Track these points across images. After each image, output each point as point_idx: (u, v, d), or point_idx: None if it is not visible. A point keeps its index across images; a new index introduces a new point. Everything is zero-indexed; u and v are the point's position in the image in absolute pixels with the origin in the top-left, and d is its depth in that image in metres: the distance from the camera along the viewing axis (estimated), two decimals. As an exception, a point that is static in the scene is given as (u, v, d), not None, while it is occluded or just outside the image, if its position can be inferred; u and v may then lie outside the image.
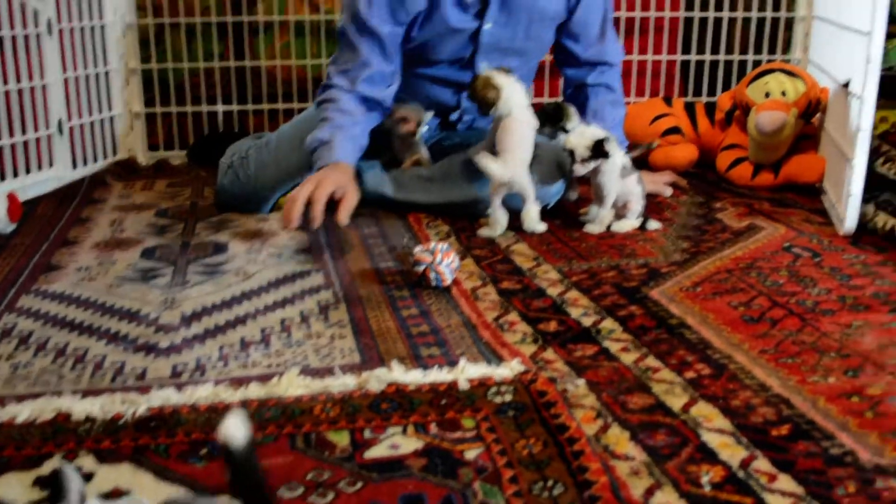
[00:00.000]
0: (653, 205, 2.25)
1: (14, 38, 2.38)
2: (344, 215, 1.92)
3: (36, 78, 2.46)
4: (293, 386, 1.29)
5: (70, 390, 1.31)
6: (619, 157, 2.05)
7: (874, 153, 2.12)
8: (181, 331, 1.53)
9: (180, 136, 2.98)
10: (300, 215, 1.88)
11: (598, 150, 2.00)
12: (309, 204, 1.89)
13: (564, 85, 2.44)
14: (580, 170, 2.03)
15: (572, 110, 2.21)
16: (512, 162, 2.02)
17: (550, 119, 2.19)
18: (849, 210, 2.01)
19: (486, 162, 1.99)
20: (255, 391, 1.28)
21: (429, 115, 2.30)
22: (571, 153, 2.02)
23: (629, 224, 2.08)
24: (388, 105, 2.24)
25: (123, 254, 1.97)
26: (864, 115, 1.96)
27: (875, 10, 1.90)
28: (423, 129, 2.30)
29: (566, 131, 2.09)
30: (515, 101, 2.07)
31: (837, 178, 2.16)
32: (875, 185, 2.08)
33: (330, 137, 2.08)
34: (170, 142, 2.97)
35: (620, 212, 2.10)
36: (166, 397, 1.27)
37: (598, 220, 2.08)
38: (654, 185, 2.37)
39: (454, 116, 2.40)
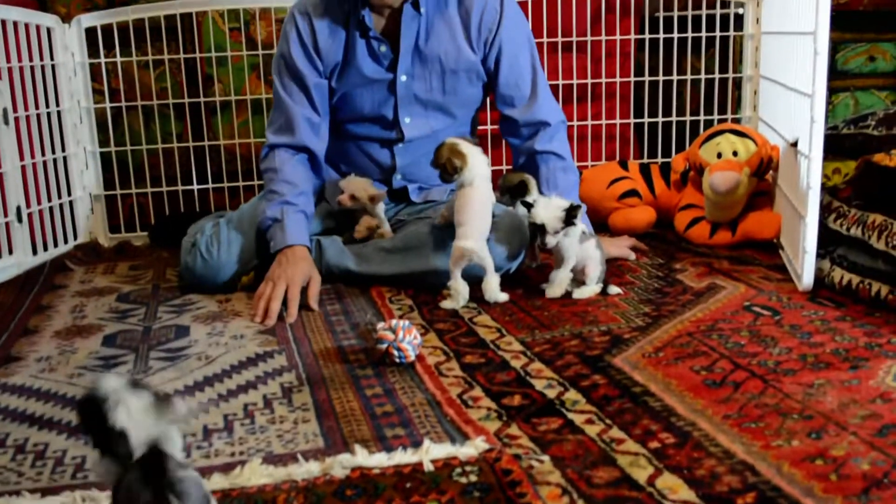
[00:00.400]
0: (613, 268, 2.27)
1: (-30, 129, 2.38)
2: (314, 302, 2.09)
3: (-8, 166, 2.46)
4: (256, 475, 1.28)
5: (29, 489, 1.29)
6: (579, 223, 2.08)
7: (826, 209, 2.16)
8: (143, 421, 1.51)
9: (141, 217, 2.98)
10: (277, 314, 2.02)
11: (570, 218, 2.03)
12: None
13: (514, 155, 2.45)
14: (552, 241, 2.05)
15: (534, 183, 2.24)
16: (472, 233, 2.04)
17: (514, 193, 2.23)
18: (805, 266, 2.04)
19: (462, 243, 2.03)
20: (218, 482, 1.27)
21: (382, 195, 2.33)
22: (542, 227, 2.04)
23: (590, 290, 2.09)
24: (321, 158, 2.34)
25: (85, 341, 1.95)
26: (812, 173, 2.00)
27: (815, 72, 1.96)
28: (381, 205, 2.33)
29: (527, 204, 2.10)
30: (478, 171, 2.10)
31: (793, 234, 2.20)
32: (830, 240, 2.11)
33: (281, 215, 2.19)
34: (131, 223, 2.96)
35: (579, 276, 2.11)
36: (127, 493, 1.25)
37: (557, 282, 2.09)
38: (618, 250, 2.39)
39: (397, 181, 2.42)
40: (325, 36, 2.26)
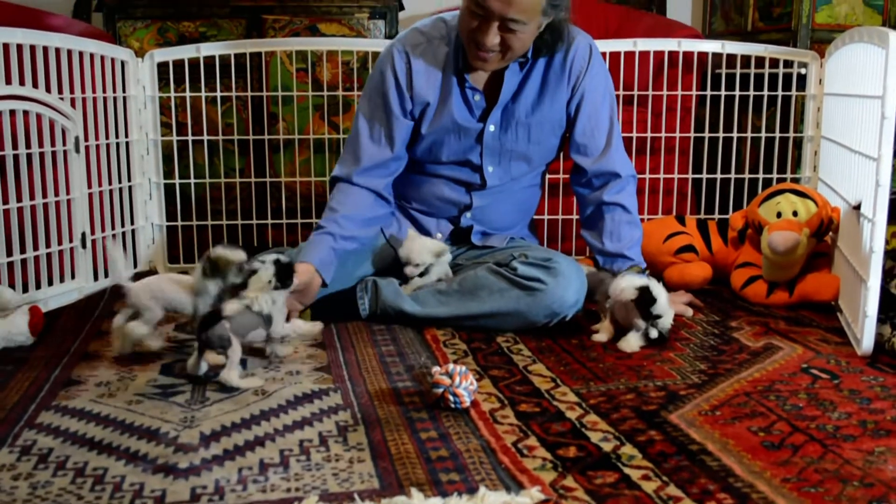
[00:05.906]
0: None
1: (42, 155, 2.44)
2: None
3: (62, 193, 2.51)
4: (313, 513, 1.29)
5: (88, 513, 1.31)
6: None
7: (888, 274, 2.14)
8: (200, 451, 1.53)
9: (201, 249, 3.02)
10: None
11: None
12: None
13: (580, 206, 2.46)
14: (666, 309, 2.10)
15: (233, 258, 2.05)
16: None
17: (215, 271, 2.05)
18: (865, 331, 2.02)
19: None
20: (274, 517, 1.28)
21: (446, 249, 2.35)
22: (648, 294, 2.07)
23: (636, 344, 2.10)
24: (386, 194, 2.37)
25: (143, 369, 1.98)
26: (876, 237, 1.98)
27: (882, 137, 1.95)
28: (447, 258, 2.35)
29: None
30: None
31: (852, 297, 2.18)
32: (891, 305, 2.09)
33: (310, 238, 2.31)
34: (190, 255, 3.01)
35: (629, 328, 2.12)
36: (185, 523, 1.26)
37: (633, 340, 2.10)
38: (674, 307, 2.37)
39: (465, 220, 2.44)
40: (420, 76, 2.28)
